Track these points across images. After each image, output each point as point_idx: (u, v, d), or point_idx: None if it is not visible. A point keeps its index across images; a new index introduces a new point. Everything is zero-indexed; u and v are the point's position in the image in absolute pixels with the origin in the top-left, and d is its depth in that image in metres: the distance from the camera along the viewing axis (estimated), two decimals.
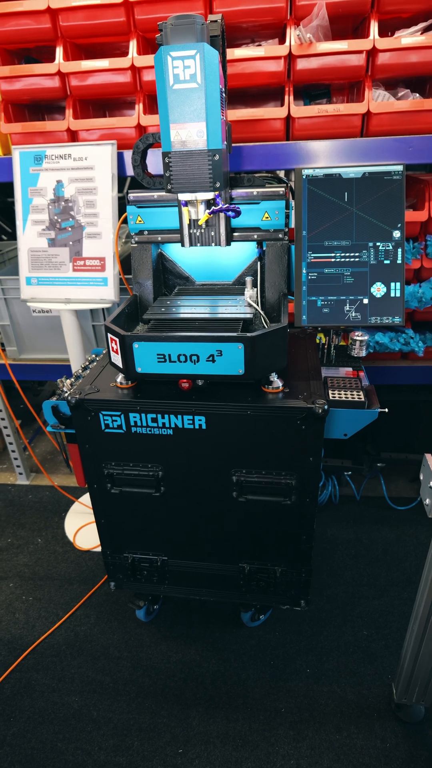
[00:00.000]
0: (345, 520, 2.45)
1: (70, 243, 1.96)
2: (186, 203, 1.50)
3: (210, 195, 1.43)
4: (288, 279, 1.69)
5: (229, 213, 1.44)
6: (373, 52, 1.71)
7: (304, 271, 1.50)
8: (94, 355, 1.98)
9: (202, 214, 1.47)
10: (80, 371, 1.84)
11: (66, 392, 1.65)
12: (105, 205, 1.89)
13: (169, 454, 1.56)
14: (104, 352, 1.96)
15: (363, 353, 1.77)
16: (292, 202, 1.56)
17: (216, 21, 1.29)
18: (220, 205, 1.41)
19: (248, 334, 1.34)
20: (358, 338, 1.76)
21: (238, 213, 1.44)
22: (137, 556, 1.79)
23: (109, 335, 1.47)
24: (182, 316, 1.56)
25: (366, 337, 1.75)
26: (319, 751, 1.57)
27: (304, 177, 1.49)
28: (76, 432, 1.58)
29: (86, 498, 2.66)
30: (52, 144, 1.90)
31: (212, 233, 1.63)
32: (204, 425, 1.48)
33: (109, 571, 1.86)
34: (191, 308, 1.61)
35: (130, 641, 1.94)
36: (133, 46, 1.79)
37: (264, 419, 1.44)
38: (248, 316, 1.52)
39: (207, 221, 1.56)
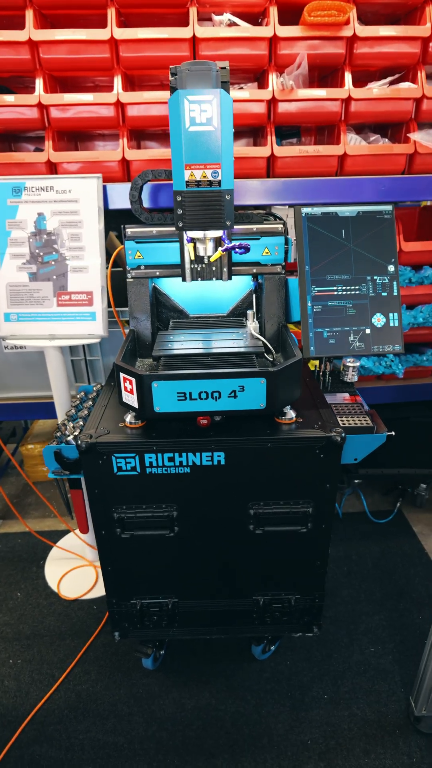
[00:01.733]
0: (332, 539, 2.50)
1: (54, 277, 1.88)
2: (191, 239, 1.50)
3: (219, 233, 1.45)
4: (286, 310, 1.74)
5: (239, 250, 1.46)
6: (347, 100, 1.84)
7: (309, 304, 1.55)
8: (82, 393, 1.90)
9: (211, 251, 1.48)
10: (73, 411, 1.76)
11: (69, 435, 1.56)
12: (92, 239, 1.84)
13: (185, 492, 1.52)
14: (95, 388, 1.88)
15: (355, 378, 1.85)
16: (291, 238, 1.62)
17: (225, 68, 1.33)
18: (232, 243, 1.44)
19: (270, 369, 1.36)
20: (350, 364, 1.84)
21: (247, 249, 1.47)
22: (146, 602, 1.71)
23: (122, 375, 1.42)
24: (193, 351, 1.55)
25: (358, 363, 1.83)
26: None
27: (303, 215, 1.56)
28: (85, 477, 1.50)
29: (65, 541, 2.50)
30: (32, 175, 1.82)
31: (214, 268, 1.65)
32: (223, 461, 1.46)
33: (113, 621, 1.75)
34: (198, 343, 1.60)
35: (138, 694, 1.83)
36: (117, 81, 1.79)
37: (283, 450, 1.45)
38: (260, 349, 1.55)
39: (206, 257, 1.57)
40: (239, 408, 1.40)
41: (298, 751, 1.65)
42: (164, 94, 1.79)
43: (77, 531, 2.46)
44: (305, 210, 1.55)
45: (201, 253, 1.49)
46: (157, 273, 1.69)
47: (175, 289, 1.81)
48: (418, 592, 2.20)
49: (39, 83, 1.78)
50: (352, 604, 2.15)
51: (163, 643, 1.95)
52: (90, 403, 1.76)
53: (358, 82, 1.94)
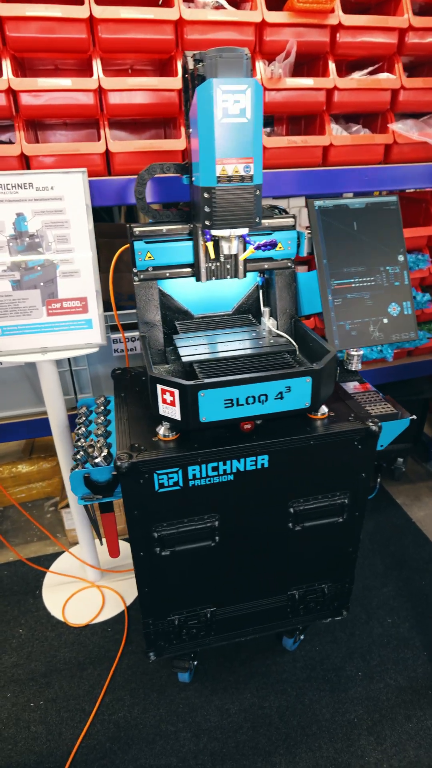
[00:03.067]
0: None
1: (41, 284, 1.70)
2: (211, 237, 1.43)
3: (246, 230, 1.39)
4: (296, 304, 1.74)
5: (268, 246, 1.42)
6: (332, 90, 1.84)
7: (329, 298, 1.56)
8: (83, 407, 1.76)
9: (236, 249, 1.43)
10: (83, 428, 1.62)
11: (96, 457, 1.43)
12: (81, 240, 1.69)
13: (228, 500, 1.48)
14: (97, 401, 1.75)
15: (359, 366, 1.90)
16: (305, 232, 1.61)
17: (248, 55, 1.26)
18: (264, 240, 1.39)
19: (315, 367, 1.35)
20: (354, 353, 1.88)
21: (275, 245, 1.43)
22: (184, 616, 1.65)
23: (161, 387, 1.33)
24: (224, 354, 1.49)
25: (361, 352, 1.88)
26: (402, 746, 1.66)
27: (316, 208, 1.55)
28: (124, 498, 1.40)
29: (59, 565, 2.33)
30: (5, 171, 1.62)
31: (228, 266, 1.59)
32: (267, 464, 1.44)
33: (149, 641, 1.68)
34: (225, 345, 1.54)
35: (179, 709, 1.77)
36: (97, 65, 1.63)
37: (324, 446, 1.46)
38: (291, 347, 1.52)
39: (223, 255, 1.51)
40: (286, 409, 1.38)
41: (348, 730, 1.71)
42: (151, 81, 1.67)
43: (72, 550, 2.31)
44: (317, 203, 1.54)
45: (226, 251, 1.43)
46: (167, 274, 1.60)
47: (177, 289, 1.73)
48: (415, 560, 2.36)
49: (6, 65, 1.57)
50: (360, 581, 2.25)
51: (196, 654, 1.90)
52: (102, 418, 1.64)
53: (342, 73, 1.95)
